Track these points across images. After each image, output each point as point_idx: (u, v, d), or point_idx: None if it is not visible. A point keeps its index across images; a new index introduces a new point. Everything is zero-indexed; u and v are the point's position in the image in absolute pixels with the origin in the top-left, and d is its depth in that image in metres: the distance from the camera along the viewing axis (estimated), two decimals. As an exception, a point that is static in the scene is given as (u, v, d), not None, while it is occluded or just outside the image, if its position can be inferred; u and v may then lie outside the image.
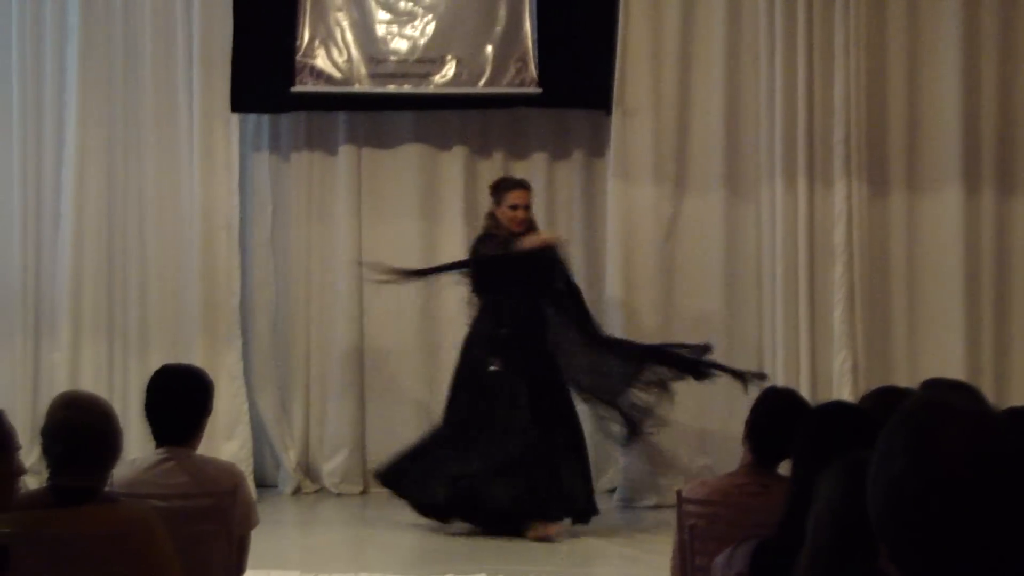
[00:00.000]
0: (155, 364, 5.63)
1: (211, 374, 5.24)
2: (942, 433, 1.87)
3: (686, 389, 9.63)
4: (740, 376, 8.70)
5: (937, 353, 9.72)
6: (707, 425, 9.89)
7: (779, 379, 9.28)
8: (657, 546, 8.19)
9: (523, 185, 8.99)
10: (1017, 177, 9.87)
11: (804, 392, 8.19)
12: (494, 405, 8.64)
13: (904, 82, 9.91)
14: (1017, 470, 1.81)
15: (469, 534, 8.88)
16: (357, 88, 10.06)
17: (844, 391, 9.35)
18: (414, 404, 10.32)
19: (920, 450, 1.87)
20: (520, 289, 8.75)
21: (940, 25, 9.85)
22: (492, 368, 8.68)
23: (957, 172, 9.80)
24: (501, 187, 8.96)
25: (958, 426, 1.88)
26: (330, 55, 10.01)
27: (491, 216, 8.92)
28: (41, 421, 4.23)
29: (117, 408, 4.37)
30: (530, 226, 8.86)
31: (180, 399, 4.94)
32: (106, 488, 4.23)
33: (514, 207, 8.79)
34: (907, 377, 9.15)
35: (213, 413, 5.13)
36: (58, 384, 9.49)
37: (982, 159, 9.87)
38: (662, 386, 8.81)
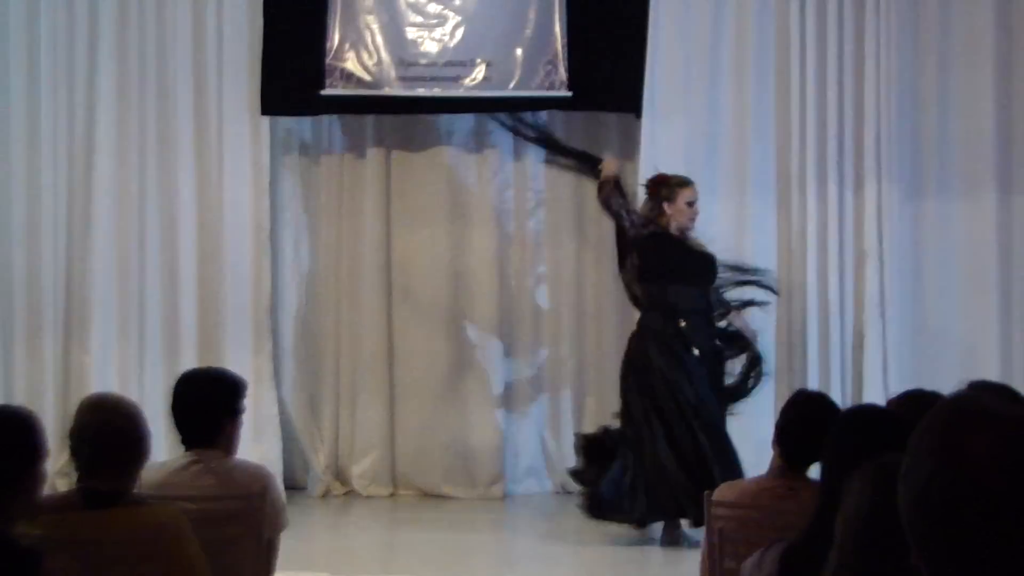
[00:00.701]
0: (185, 366, 5.66)
1: (241, 376, 5.24)
2: (970, 437, 1.85)
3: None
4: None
5: (969, 356, 9.67)
6: (736, 427, 9.86)
7: (810, 382, 9.25)
8: (686, 549, 8.18)
9: (693, 182, 8.86)
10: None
11: (835, 396, 8.15)
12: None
13: (936, 84, 9.87)
14: None
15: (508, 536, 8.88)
16: (387, 91, 10.06)
17: (875, 394, 9.32)
18: (443, 405, 10.33)
19: (948, 454, 1.85)
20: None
21: (973, 27, 9.80)
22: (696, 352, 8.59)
23: (990, 174, 9.76)
24: (672, 184, 8.77)
25: (987, 429, 1.86)
26: (360, 58, 10.03)
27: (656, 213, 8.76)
28: (70, 424, 4.24)
29: (147, 411, 4.37)
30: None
31: (203, 402, 4.95)
32: (135, 490, 4.24)
33: (691, 203, 8.71)
34: (939, 380, 9.10)
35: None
36: (88, 386, 9.51)
37: (1015, 161, 9.82)
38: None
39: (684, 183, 8.78)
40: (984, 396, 1.95)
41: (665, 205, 8.67)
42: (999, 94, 9.77)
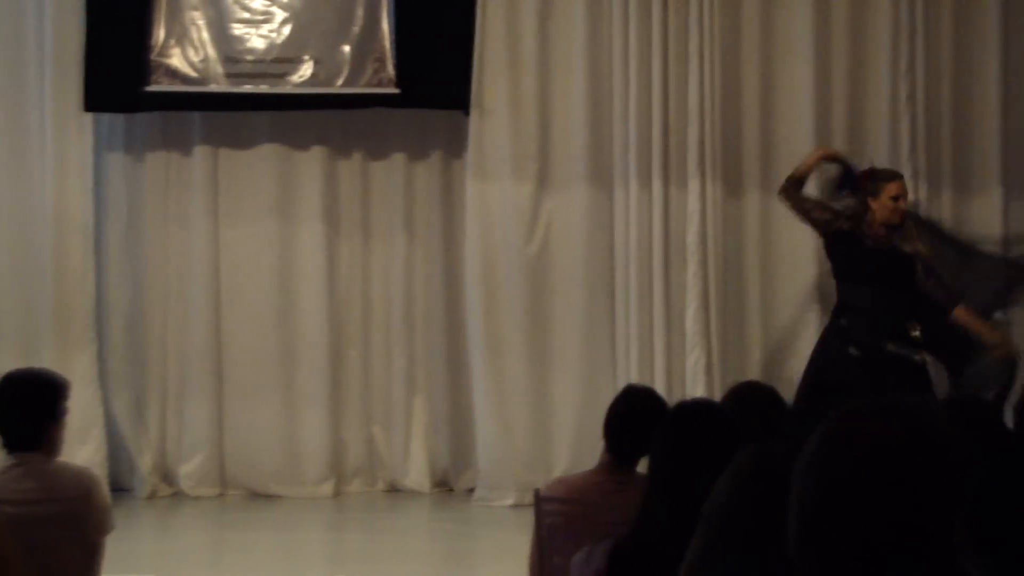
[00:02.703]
0: (6, 368, 5.53)
1: (64, 378, 5.16)
2: (844, 432, 1.89)
3: (572, 391, 9.69)
4: None
5: (791, 350, 9.85)
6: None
7: (633, 377, 9.34)
8: (516, 545, 8.22)
9: (900, 176, 8.62)
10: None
11: (659, 391, 8.24)
12: None
13: (758, 84, 10.04)
14: (910, 468, 1.85)
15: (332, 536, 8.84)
16: (213, 88, 9.96)
17: (698, 389, 9.45)
18: (272, 404, 10.24)
19: (820, 448, 1.89)
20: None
21: (793, 27, 9.99)
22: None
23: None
24: (877, 178, 8.47)
25: (861, 426, 1.90)
26: (185, 54, 9.90)
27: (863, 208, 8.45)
28: None
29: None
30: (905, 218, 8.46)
31: (24, 404, 4.87)
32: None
33: (896, 198, 8.35)
34: (761, 375, 9.27)
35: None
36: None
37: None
38: None
39: (889, 177, 8.51)
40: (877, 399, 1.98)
41: (870, 200, 8.40)
42: (819, 94, 9.97)
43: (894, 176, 8.57)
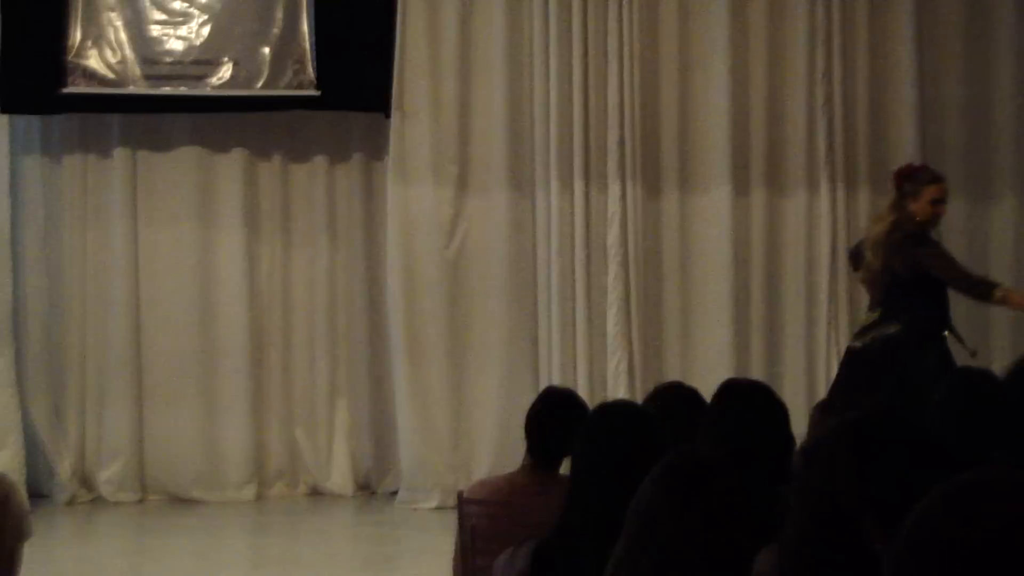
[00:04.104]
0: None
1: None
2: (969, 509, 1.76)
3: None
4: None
5: (709, 351, 9.92)
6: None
7: (556, 379, 9.37)
8: (439, 547, 8.22)
9: (944, 179, 8.12)
10: (784, 176, 10.12)
11: (581, 393, 8.27)
12: None
13: (676, 86, 10.10)
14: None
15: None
16: (131, 89, 9.89)
17: (620, 391, 9.50)
18: (193, 408, 10.19)
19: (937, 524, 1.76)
20: None
21: (710, 30, 10.06)
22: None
23: (727, 172, 10.02)
24: (918, 179, 7.99)
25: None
26: (103, 55, 9.83)
27: (898, 208, 7.91)
28: None
29: None
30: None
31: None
32: None
33: (935, 202, 7.88)
34: (680, 376, 9.31)
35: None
36: None
37: (751, 159, 10.11)
38: None
39: (932, 180, 8.02)
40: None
41: (909, 200, 7.89)
42: (735, 95, 10.04)
43: (937, 179, 8.11)
